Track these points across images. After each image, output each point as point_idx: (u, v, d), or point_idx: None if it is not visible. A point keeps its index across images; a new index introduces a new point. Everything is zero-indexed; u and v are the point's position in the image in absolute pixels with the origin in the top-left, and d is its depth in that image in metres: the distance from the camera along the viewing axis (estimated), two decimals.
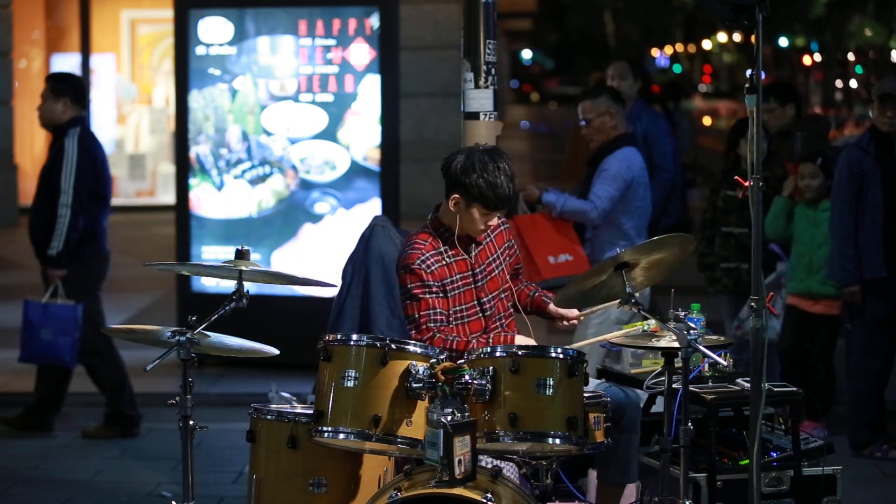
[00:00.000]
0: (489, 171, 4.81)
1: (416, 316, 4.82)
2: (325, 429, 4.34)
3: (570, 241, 7.22)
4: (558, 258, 7.16)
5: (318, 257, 9.15)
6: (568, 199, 7.23)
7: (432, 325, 4.81)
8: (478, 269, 4.94)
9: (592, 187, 7.20)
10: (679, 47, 53.75)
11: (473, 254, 4.95)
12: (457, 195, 4.86)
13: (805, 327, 7.69)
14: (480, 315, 4.94)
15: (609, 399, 4.67)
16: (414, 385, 4.28)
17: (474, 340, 4.81)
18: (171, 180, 16.51)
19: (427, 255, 4.86)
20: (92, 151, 7.83)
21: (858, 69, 39.67)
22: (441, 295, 4.85)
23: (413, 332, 4.84)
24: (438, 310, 4.83)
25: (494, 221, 4.93)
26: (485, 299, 4.94)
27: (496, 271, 5.00)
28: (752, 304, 4.59)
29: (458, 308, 4.89)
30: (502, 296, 5.03)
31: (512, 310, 5.09)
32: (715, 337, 5.10)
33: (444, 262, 4.88)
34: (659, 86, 21.47)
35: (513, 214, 7.12)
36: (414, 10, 15.07)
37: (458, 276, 4.90)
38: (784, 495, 5.60)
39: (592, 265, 6.65)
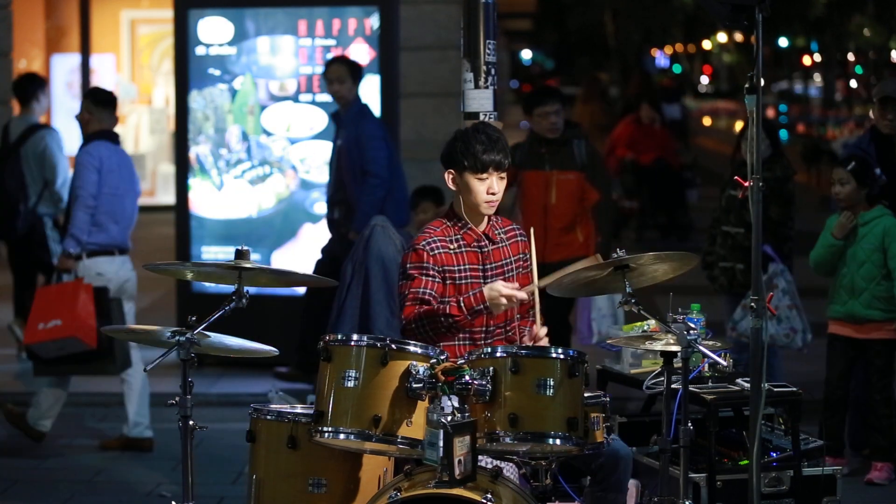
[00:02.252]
0: (469, 135, 4.91)
1: (406, 293, 4.84)
2: (325, 429, 4.34)
3: (69, 308, 7.31)
4: (48, 324, 7.35)
5: (318, 257, 9.14)
6: (72, 225, 7.46)
7: (418, 304, 4.81)
8: (488, 265, 4.93)
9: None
10: (679, 47, 53.75)
11: (486, 250, 4.95)
12: (450, 171, 4.92)
13: (853, 356, 7.05)
14: (485, 311, 4.93)
15: (608, 399, 4.66)
16: (414, 385, 4.28)
17: (449, 301, 4.78)
18: (171, 180, 16.50)
19: (434, 238, 4.89)
20: None
21: (858, 69, 39.68)
22: (438, 280, 4.85)
23: (400, 308, 4.87)
24: (430, 290, 4.82)
25: (497, 187, 4.88)
26: None
27: (507, 275, 4.98)
28: (752, 304, 4.60)
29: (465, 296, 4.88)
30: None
31: (517, 319, 5.05)
32: (711, 342, 5.10)
33: (451, 250, 4.89)
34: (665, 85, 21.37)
35: None
36: (414, 10, 15.03)
37: (466, 267, 4.89)
38: (784, 495, 5.61)
39: None
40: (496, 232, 5.00)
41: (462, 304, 4.75)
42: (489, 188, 4.87)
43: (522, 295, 4.78)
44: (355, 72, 8.60)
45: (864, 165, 6.98)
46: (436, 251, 4.87)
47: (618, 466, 4.83)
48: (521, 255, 5.06)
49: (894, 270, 6.89)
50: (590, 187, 7.94)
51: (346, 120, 8.54)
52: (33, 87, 9.71)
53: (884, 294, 6.90)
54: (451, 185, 4.93)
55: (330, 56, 9.17)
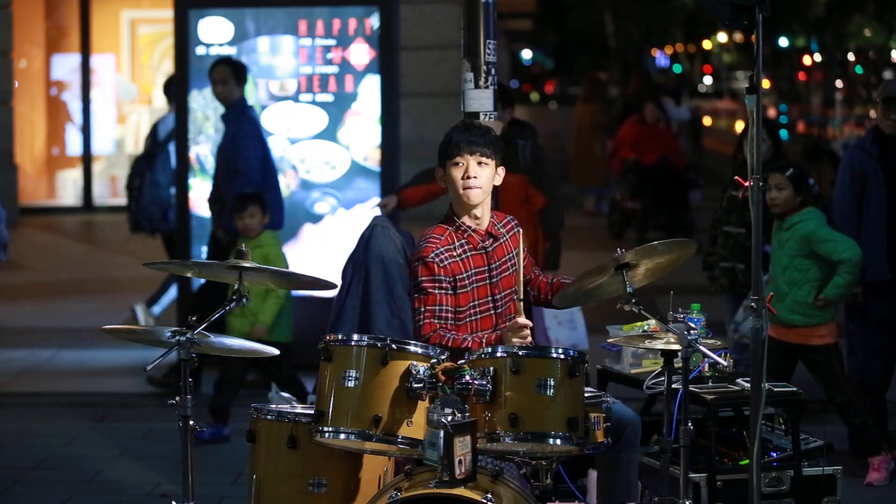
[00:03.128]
0: (450, 129, 4.95)
1: (423, 309, 4.83)
2: (325, 429, 4.34)
3: None
4: None
5: (318, 257, 9.15)
6: None
7: (436, 321, 4.81)
8: (493, 265, 4.94)
9: None
10: (679, 47, 53.75)
11: (490, 249, 4.94)
12: (439, 169, 4.95)
13: (783, 355, 6.96)
14: (492, 311, 4.93)
15: (610, 400, 4.67)
16: (414, 385, 4.29)
17: (470, 338, 4.80)
18: None
19: (441, 249, 4.87)
20: None
21: (858, 69, 39.68)
22: (450, 292, 4.84)
23: (417, 325, 4.85)
24: (445, 306, 4.83)
25: (474, 171, 4.84)
26: (498, 296, 4.93)
27: (510, 270, 4.99)
28: (752, 304, 4.59)
29: (472, 303, 4.89)
30: (513, 297, 5.00)
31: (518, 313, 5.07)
32: (711, 341, 5.10)
33: (457, 258, 4.88)
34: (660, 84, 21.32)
35: None
36: (414, 10, 15.07)
37: (472, 272, 4.89)
38: (784, 495, 5.61)
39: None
40: (497, 227, 5.01)
41: (484, 343, 4.74)
42: (465, 172, 4.85)
43: (528, 322, 4.75)
44: (238, 73, 8.70)
45: (801, 173, 7.02)
46: (445, 262, 4.86)
47: (626, 428, 4.85)
48: (521, 247, 5.06)
49: (832, 255, 6.83)
50: (535, 191, 7.69)
51: (229, 120, 8.66)
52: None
53: (805, 299, 6.89)
54: (441, 184, 4.95)
55: (331, 56, 9.18)
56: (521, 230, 5.11)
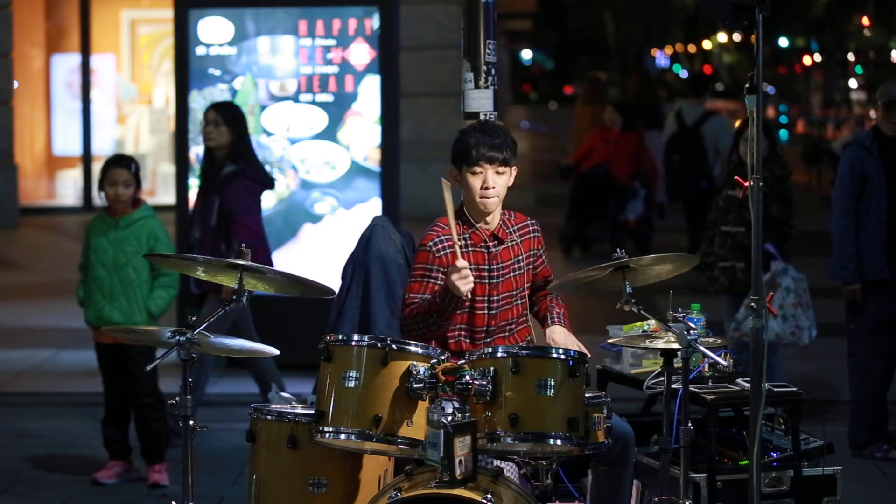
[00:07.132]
0: (468, 130, 4.94)
1: (406, 295, 4.92)
2: (325, 429, 4.34)
3: None
4: None
5: (318, 257, 9.15)
6: None
7: (413, 307, 4.87)
8: (495, 266, 4.94)
9: None
10: (679, 47, 53.78)
11: (494, 251, 4.94)
12: (452, 168, 4.94)
13: None
14: (486, 311, 4.93)
15: (609, 399, 4.67)
16: (415, 385, 4.29)
17: (427, 300, 4.83)
18: (171, 180, 16.52)
19: (442, 238, 4.89)
20: None
21: (858, 69, 39.70)
22: (440, 282, 4.84)
23: (399, 309, 4.92)
24: (427, 296, 4.85)
25: (492, 182, 4.84)
26: (495, 297, 4.93)
27: (513, 274, 4.98)
28: (752, 304, 4.59)
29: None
30: (517, 302, 4.99)
31: (526, 317, 5.07)
32: (711, 339, 5.11)
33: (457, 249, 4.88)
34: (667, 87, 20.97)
35: None
36: (414, 10, 15.08)
37: (472, 267, 4.88)
38: (784, 495, 5.61)
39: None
40: (507, 230, 5.00)
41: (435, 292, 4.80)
42: (483, 182, 4.86)
43: (462, 262, 4.72)
44: None
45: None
46: (442, 252, 4.87)
47: (619, 441, 4.84)
48: (533, 252, 5.05)
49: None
50: None
51: None
52: (705, 82, 14.04)
53: None
54: (454, 182, 4.94)
55: (331, 56, 9.18)
56: (539, 235, 5.09)
